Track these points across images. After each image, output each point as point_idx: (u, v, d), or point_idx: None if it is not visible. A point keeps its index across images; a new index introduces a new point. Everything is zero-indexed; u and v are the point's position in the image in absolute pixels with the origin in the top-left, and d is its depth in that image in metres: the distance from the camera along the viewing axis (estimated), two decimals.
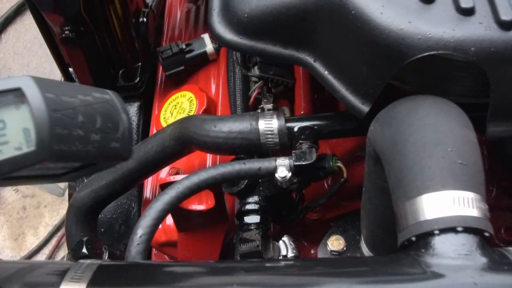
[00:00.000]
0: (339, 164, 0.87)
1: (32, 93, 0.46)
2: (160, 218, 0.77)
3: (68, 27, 1.08)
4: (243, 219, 0.91)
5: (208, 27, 0.86)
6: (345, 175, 0.88)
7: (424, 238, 0.57)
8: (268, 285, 0.57)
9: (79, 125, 0.47)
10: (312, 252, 1.01)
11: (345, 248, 0.94)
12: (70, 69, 1.22)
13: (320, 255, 0.97)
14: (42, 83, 0.46)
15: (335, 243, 0.94)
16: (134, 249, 0.74)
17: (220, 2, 0.84)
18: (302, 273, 0.60)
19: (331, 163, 0.86)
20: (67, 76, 1.22)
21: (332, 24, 0.72)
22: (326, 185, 1.01)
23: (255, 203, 0.90)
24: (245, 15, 0.79)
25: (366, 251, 0.87)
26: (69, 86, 0.50)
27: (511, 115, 0.69)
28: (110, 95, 0.52)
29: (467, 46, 0.64)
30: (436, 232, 0.56)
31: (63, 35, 1.08)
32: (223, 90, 1.19)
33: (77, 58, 1.16)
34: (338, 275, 0.58)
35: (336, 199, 0.98)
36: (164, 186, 0.85)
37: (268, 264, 0.67)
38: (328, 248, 0.95)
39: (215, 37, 0.83)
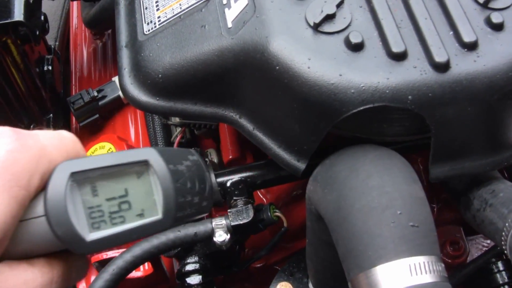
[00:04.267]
0: (278, 213, 0.82)
1: (159, 165, 0.48)
2: None
3: None
4: (184, 281, 0.85)
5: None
6: (285, 224, 0.84)
7: None
8: None
9: (188, 191, 0.50)
10: None
11: None
12: None
13: None
14: (164, 155, 0.48)
15: None
16: None
17: (130, 60, 0.77)
18: None
19: (269, 213, 0.81)
20: None
21: (255, 81, 0.67)
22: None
23: (195, 262, 0.85)
24: (159, 75, 0.73)
25: None
26: (175, 152, 0.52)
27: (454, 155, 0.66)
28: (196, 155, 0.54)
29: (404, 95, 0.60)
30: None
31: None
32: (143, 135, 1.13)
33: None
34: None
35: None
36: (99, 263, 0.79)
37: None
38: None
39: (129, 100, 0.76)
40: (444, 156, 0.66)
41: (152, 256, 0.75)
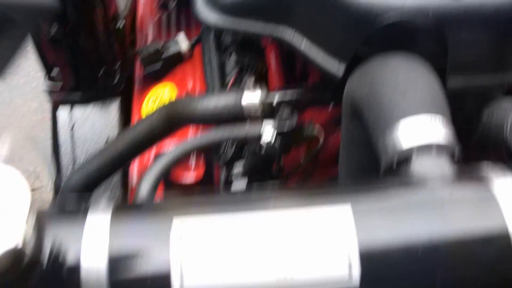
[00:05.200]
0: (317, 130, 0.97)
1: None
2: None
3: (55, 28, 1.16)
4: (230, 186, 1.00)
5: (192, 14, 0.96)
6: (321, 140, 0.98)
7: (405, 160, 0.64)
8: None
9: None
10: None
11: None
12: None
13: None
14: None
15: None
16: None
17: None
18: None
19: (309, 129, 0.96)
20: (51, 76, 1.30)
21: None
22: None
23: (242, 170, 1.00)
24: None
25: None
26: None
27: (467, 69, 0.81)
28: None
29: (426, 13, 0.76)
30: (415, 155, 0.65)
31: (51, 36, 1.17)
32: (200, 86, 1.29)
33: (62, 58, 1.24)
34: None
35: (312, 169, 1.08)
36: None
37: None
38: None
39: (201, 21, 0.93)
40: (459, 68, 0.81)
41: (210, 144, 0.90)
